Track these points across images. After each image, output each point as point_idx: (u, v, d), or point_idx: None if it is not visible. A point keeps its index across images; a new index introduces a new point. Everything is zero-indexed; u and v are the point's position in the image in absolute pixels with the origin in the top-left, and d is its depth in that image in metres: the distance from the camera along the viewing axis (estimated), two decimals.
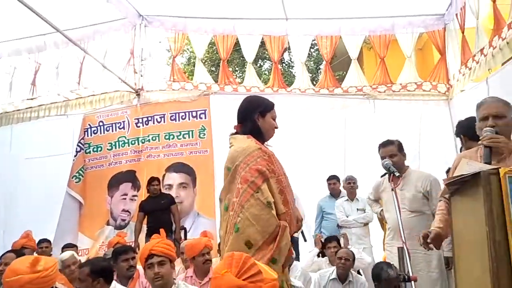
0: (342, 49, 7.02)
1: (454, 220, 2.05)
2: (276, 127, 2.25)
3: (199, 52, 6.68)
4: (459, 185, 1.91)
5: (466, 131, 2.73)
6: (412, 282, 1.88)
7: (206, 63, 15.07)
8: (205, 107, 6.37)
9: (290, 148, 5.97)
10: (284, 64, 15.76)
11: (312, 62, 15.40)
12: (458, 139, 3.55)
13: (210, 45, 9.93)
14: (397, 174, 2.23)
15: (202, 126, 6.34)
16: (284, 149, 5.89)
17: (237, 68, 15.03)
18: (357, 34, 6.36)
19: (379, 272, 2.87)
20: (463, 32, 5.56)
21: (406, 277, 1.89)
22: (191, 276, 3.54)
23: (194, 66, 6.93)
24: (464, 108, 5.50)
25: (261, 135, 2.20)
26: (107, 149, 6.42)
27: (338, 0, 5.82)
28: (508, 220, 1.58)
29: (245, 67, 6.73)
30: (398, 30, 6.23)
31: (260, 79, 12.56)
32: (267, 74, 15.43)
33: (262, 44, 6.61)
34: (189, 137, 6.33)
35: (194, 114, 6.40)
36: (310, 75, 14.84)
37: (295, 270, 4.15)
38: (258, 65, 15.85)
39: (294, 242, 5.14)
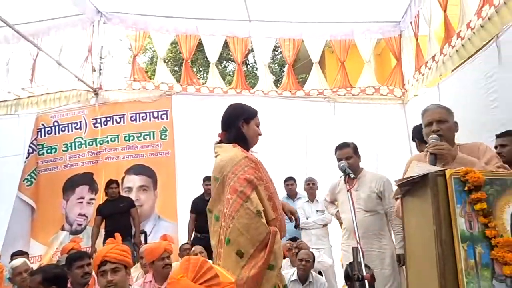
0: (305, 52, 7.15)
1: (405, 219, 2.14)
2: (260, 134, 2.26)
3: (161, 52, 6.55)
4: (410, 186, 1.99)
5: (419, 135, 2.88)
6: (366, 281, 1.93)
7: (169, 63, 14.82)
8: (167, 108, 6.25)
9: (253, 149, 6.00)
10: (248, 66, 15.82)
11: (276, 65, 15.57)
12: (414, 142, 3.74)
13: (174, 45, 9.79)
14: (352, 175, 2.30)
15: (164, 127, 6.22)
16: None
17: (201, 69, 14.89)
18: (318, 38, 6.49)
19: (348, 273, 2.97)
20: (417, 39, 5.84)
21: (360, 276, 1.94)
22: (150, 281, 3.45)
23: (157, 65, 6.78)
24: (417, 112, 5.73)
25: (246, 142, 2.22)
26: (63, 150, 6.14)
27: (300, 4, 5.92)
28: (453, 219, 1.66)
29: (209, 68, 6.69)
30: (357, 36, 6.43)
31: (225, 80, 12.52)
32: (232, 75, 15.42)
33: (226, 45, 6.60)
34: (150, 138, 6.19)
35: (155, 114, 6.26)
36: (274, 77, 15.02)
37: None
38: (223, 66, 15.81)
39: None
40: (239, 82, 6.48)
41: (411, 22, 5.93)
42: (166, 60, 14.67)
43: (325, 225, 4.71)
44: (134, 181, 6.06)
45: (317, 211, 4.81)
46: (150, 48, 13.46)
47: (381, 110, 6.36)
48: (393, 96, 6.42)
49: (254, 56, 14.38)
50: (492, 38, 3.87)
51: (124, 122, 6.21)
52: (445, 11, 4.87)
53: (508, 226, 1.62)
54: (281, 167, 5.95)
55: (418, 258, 1.95)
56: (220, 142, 2.26)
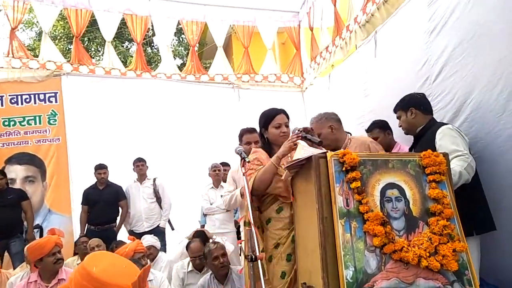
0: (210, 36, 7.06)
1: (295, 200, 2.27)
2: (282, 133, 2.35)
3: (45, 26, 5.81)
4: (298, 169, 2.11)
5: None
6: (259, 261, 2.00)
7: (61, 40, 13.34)
8: (56, 89, 5.64)
9: (155, 135, 5.79)
10: (154, 48, 15.09)
11: (182, 48, 15.12)
12: None
13: (66, 20, 8.82)
14: (247, 159, 2.34)
15: (53, 111, 5.60)
16: (151, 135, 5.74)
17: (100, 48, 13.73)
18: (222, 22, 6.44)
19: (204, 250, 3.14)
20: (311, 30, 6.18)
21: (253, 256, 2.00)
22: (36, 281, 3.12)
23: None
24: (314, 100, 6.16)
25: (271, 146, 2.40)
26: None
27: None
28: (333, 198, 1.80)
29: (105, 47, 6.17)
30: (260, 23, 6.55)
31: (127, 61, 11.72)
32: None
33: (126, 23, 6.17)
34: (35, 123, 5.53)
35: (41, 97, 5.60)
36: (181, 60, 14.58)
37: (160, 261, 4.03)
38: (125, 46, 14.81)
39: (161, 232, 5.05)
40: (139, 64, 6.12)
41: (307, 13, 6.24)
42: (58, 37, 13.18)
43: (228, 210, 4.77)
44: (17, 171, 5.38)
45: (221, 196, 4.83)
46: (37, 22, 11.92)
47: (282, 96, 6.61)
48: (293, 84, 6.73)
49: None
50: (372, 34, 4.27)
51: (2, 105, 5.44)
52: (335, 5, 5.23)
53: (378, 202, 1.82)
54: (187, 153, 5.87)
55: (304, 235, 2.08)
56: None
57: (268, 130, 2.40)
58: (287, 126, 2.39)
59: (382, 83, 3.82)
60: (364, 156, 1.89)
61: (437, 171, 1.86)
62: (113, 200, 5.04)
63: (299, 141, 2.10)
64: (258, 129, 2.54)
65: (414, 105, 2.58)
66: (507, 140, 2.34)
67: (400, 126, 2.72)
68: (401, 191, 1.85)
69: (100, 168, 5.02)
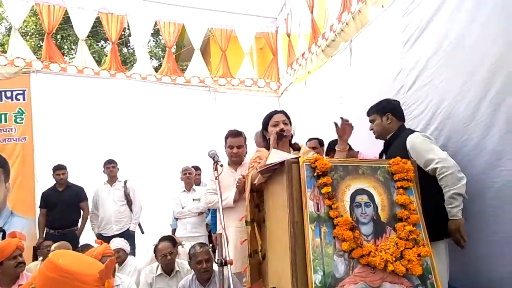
0: (188, 39, 7.01)
1: (266, 204, 2.27)
2: (279, 130, 2.39)
3: (15, 21, 5.61)
4: (271, 173, 2.12)
5: None
6: (229, 265, 1.99)
7: (33, 36, 12.89)
8: (24, 87, 5.44)
9: (128, 136, 5.67)
10: (129, 48, 14.82)
11: (160, 50, 14.94)
12: None
13: (39, 16, 8.54)
14: (220, 163, 2.33)
15: (20, 109, 5.39)
16: (123, 137, 5.62)
17: (73, 46, 13.36)
18: (199, 24, 6.42)
19: (190, 250, 3.08)
20: (289, 37, 6.25)
21: (223, 261, 1.98)
22: None
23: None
24: (290, 105, 6.21)
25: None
26: None
27: None
28: (304, 202, 1.82)
29: (78, 45, 6.00)
30: (238, 27, 6.56)
31: (101, 61, 11.44)
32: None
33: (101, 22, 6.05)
34: (1, 121, 5.30)
35: (8, 94, 5.39)
36: (158, 62, 14.38)
37: (128, 265, 3.93)
38: (100, 46, 14.48)
39: (130, 236, 4.93)
40: (114, 63, 5.99)
41: (285, 19, 6.32)
42: (29, 33, 12.73)
43: (200, 213, 4.73)
44: None
45: (193, 199, 4.79)
46: (7, 17, 11.47)
47: (259, 101, 6.64)
48: (269, 89, 6.77)
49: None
50: (347, 42, 4.37)
51: None
52: (312, 12, 5.32)
53: (348, 207, 1.84)
54: (160, 155, 5.78)
55: (275, 239, 2.09)
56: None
57: (268, 130, 2.47)
58: (285, 124, 2.44)
59: (357, 91, 3.90)
60: (335, 161, 1.92)
61: (405, 177, 1.91)
62: (74, 202, 4.84)
63: (273, 149, 2.14)
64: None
65: (391, 110, 2.63)
66: (473, 149, 2.44)
67: (371, 129, 2.75)
68: (370, 197, 1.88)
69: (59, 169, 4.80)
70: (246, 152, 3.43)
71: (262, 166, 2.06)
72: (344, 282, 1.70)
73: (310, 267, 1.71)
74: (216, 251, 2.07)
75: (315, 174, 1.85)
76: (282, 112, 2.51)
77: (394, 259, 1.72)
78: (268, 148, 2.41)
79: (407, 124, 2.78)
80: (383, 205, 1.88)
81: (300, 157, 1.93)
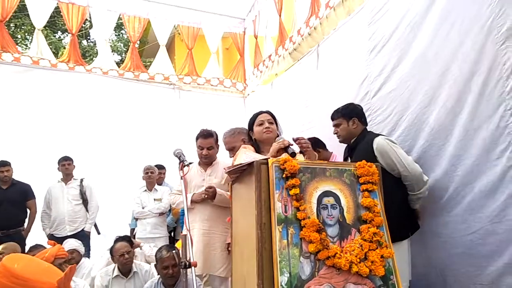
0: (154, 35, 6.82)
1: (233, 205, 2.24)
2: (265, 128, 2.37)
3: None
4: (239, 174, 2.09)
5: None
6: (193, 267, 1.94)
7: None
8: None
9: (87, 133, 5.43)
10: (89, 41, 14.23)
11: (122, 44, 14.47)
12: None
13: None
14: (186, 163, 2.28)
15: None
16: (81, 133, 5.36)
17: (28, 36, 12.61)
18: (166, 20, 6.27)
19: (156, 254, 2.96)
20: (256, 38, 6.26)
21: (187, 263, 1.93)
22: None
23: None
24: (256, 106, 6.22)
25: (258, 145, 2.41)
26: None
27: None
28: (272, 204, 1.80)
29: (34, 34, 5.65)
30: (205, 26, 6.49)
31: (58, 53, 10.90)
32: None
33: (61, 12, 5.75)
34: None
35: None
36: (119, 57, 13.91)
37: (83, 267, 3.74)
38: (57, 37, 13.78)
39: (85, 237, 4.70)
40: (73, 56, 5.71)
41: (252, 21, 6.32)
42: None
43: (161, 214, 4.60)
44: None
45: (154, 199, 4.65)
46: None
47: (224, 101, 6.60)
48: (235, 90, 6.74)
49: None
50: (314, 47, 4.44)
51: None
52: (280, 15, 5.36)
53: (315, 209, 1.85)
54: (121, 153, 5.57)
55: (241, 240, 2.06)
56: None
57: (253, 130, 2.45)
58: (270, 123, 2.41)
59: (323, 95, 3.97)
60: (303, 163, 1.92)
61: (370, 180, 1.95)
62: (20, 200, 4.52)
63: (242, 148, 2.10)
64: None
65: (357, 115, 2.69)
66: (436, 154, 2.56)
67: (335, 133, 2.80)
68: (337, 199, 1.91)
69: (2, 166, 4.46)
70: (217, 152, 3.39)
71: (230, 166, 2.03)
72: (310, 283, 1.71)
73: (277, 268, 1.70)
74: (180, 252, 2.02)
75: (284, 175, 1.85)
76: (268, 112, 2.49)
77: (358, 260, 1.76)
78: (255, 148, 2.37)
79: (372, 129, 2.86)
80: (348, 207, 1.91)
81: (269, 158, 1.92)
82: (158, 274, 3.02)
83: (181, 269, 1.96)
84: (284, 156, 2.00)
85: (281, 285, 1.67)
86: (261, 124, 2.38)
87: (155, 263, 3.72)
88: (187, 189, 2.24)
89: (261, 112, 2.47)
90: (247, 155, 2.01)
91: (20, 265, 1.29)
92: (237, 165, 1.94)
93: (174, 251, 2.90)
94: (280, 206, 1.81)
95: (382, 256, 1.78)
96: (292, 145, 2.14)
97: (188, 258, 1.95)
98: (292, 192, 1.82)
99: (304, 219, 1.79)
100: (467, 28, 2.44)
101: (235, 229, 2.20)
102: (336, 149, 3.31)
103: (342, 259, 1.73)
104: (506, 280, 2.08)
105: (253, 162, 1.88)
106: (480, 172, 2.27)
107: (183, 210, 2.30)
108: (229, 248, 2.84)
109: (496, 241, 2.15)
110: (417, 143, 2.72)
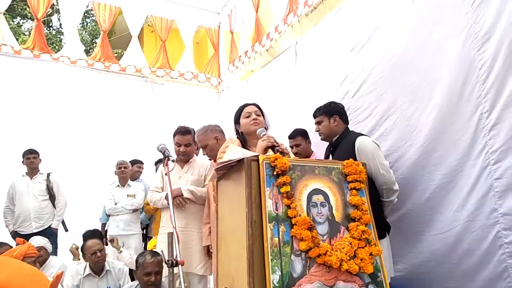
0: (122, 25, 6.59)
1: (219, 203, 2.20)
2: (252, 120, 2.31)
3: None
4: (226, 170, 2.05)
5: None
6: (180, 266, 1.89)
7: None
8: None
9: (53, 125, 5.17)
10: (52, 29, 13.54)
11: (87, 33, 13.87)
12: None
13: None
14: (172, 158, 2.21)
15: None
16: (48, 125, 5.08)
17: None
18: (138, 10, 6.07)
19: (138, 258, 2.79)
20: (232, 33, 6.20)
21: (174, 262, 1.88)
22: None
23: None
24: (231, 102, 6.17)
25: (245, 138, 2.36)
26: None
27: None
28: (263, 201, 1.79)
29: None
30: (179, 18, 6.34)
31: (18, 40, 10.28)
32: (28, 35, 12.85)
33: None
34: None
35: None
36: (84, 47, 13.34)
37: (50, 266, 3.57)
38: (16, 23, 12.99)
39: (53, 234, 4.48)
40: (38, 43, 5.39)
41: (228, 15, 6.25)
42: None
43: (135, 210, 4.47)
44: None
45: (127, 195, 4.50)
46: None
47: (198, 96, 6.50)
48: (209, 85, 6.66)
49: (60, 19, 12.45)
50: (292, 44, 4.44)
51: None
52: (256, 11, 5.33)
53: (305, 206, 1.85)
54: (90, 147, 5.36)
55: (228, 239, 2.03)
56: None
57: (240, 123, 2.39)
58: (258, 115, 2.35)
59: (302, 93, 3.98)
60: (293, 161, 1.92)
61: (358, 179, 1.98)
62: None
63: (230, 144, 2.06)
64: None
65: (338, 113, 2.72)
66: (415, 154, 2.65)
67: (317, 131, 2.83)
68: (326, 197, 1.92)
69: None
70: (198, 149, 3.33)
71: (219, 163, 1.99)
72: (301, 281, 1.71)
73: (269, 267, 1.68)
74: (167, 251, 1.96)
75: (275, 173, 1.84)
76: (254, 104, 2.43)
77: (348, 258, 1.78)
78: (241, 141, 2.33)
79: (352, 129, 2.91)
80: (337, 205, 1.93)
81: (259, 154, 1.90)
82: (137, 279, 2.80)
83: (168, 268, 1.90)
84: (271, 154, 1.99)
85: (273, 283, 1.67)
86: (248, 117, 2.33)
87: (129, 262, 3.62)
88: (171, 185, 2.17)
89: (247, 104, 2.41)
90: (236, 151, 1.97)
91: (4, 275, 1.15)
92: (227, 161, 1.91)
93: (159, 257, 2.69)
94: (271, 204, 1.80)
95: (370, 254, 1.82)
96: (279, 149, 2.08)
97: (174, 256, 1.90)
98: (283, 189, 1.81)
99: (295, 216, 1.79)
100: (446, 32, 2.53)
101: (220, 227, 2.16)
102: (315, 147, 3.36)
103: (333, 257, 1.75)
104: (482, 274, 2.19)
105: (242, 158, 1.86)
106: (459, 172, 2.37)
107: None
108: (211, 250, 2.80)
109: (471, 238, 2.25)
110: (398, 143, 2.80)
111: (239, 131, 2.40)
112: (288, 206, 1.81)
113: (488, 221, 2.18)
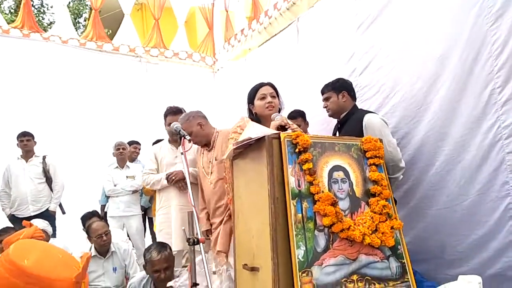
0: (109, 4, 6.38)
1: (235, 180, 2.19)
2: (267, 103, 2.25)
3: None
4: (243, 149, 2.03)
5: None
6: (201, 244, 1.89)
7: None
8: None
9: (47, 106, 5.03)
10: (35, 7, 13.02)
11: (70, 13, 13.40)
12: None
13: None
14: (188, 137, 2.18)
15: None
16: (41, 107, 4.94)
17: None
18: None
19: (145, 253, 2.71)
20: (227, 11, 6.07)
21: (195, 240, 1.88)
22: None
23: None
24: (226, 80, 6.08)
25: (259, 120, 2.29)
26: None
27: None
28: (286, 178, 1.78)
29: None
30: None
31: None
32: (11, 14, 12.35)
33: None
34: None
35: None
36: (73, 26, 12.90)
37: None
38: None
39: (50, 217, 4.42)
40: (27, 21, 5.18)
41: None
42: None
43: (135, 191, 4.43)
44: None
45: (126, 177, 4.45)
46: None
47: (193, 75, 6.39)
48: (204, 64, 6.54)
49: None
50: (294, 21, 4.36)
51: None
52: None
53: (326, 183, 1.86)
54: (86, 128, 5.26)
55: (247, 216, 2.03)
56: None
57: (254, 104, 2.32)
58: (273, 97, 2.28)
59: (304, 71, 3.93)
60: (314, 138, 1.91)
61: (377, 155, 1.99)
62: None
63: (249, 122, 2.03)
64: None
65: (347, 89, 2.70)
66: (422, 130, 2.66)
67: (325, 107, 2.81)
68: (346, 173, 1.93)
69: None
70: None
71: (239, 141, 1.96)
72: (325, 256, 1.73)
73: (293, 242, 1.70)
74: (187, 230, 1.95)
75: (297, 150, 1.83)
76: (269, 84, 2.36)
77: (370, 232, 1.80)
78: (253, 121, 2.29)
79: (359, 106, 2.90)
80: (357, 181, 1.94)
81: (279, 132, 1.88)
82: (147, 274, 2.75)
83: (189, 246, 1.89)
84: None
85: (298, 258, 1.68)
86: (263, 98, 2.27)
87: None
88: (188, 164, 2.14)
89: (262, 84, 2.34)
90: (255, 128, 1.95)
91: (30, 260, 1.11)
92: (247, 138, 1.88)
93: (166, 252, 2.62)
94: (294, 181, 1.79)
95: (392, 228, 1.85)
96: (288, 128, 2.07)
97: (195, 235, 1.90)
98: (305, 166, 1.81)
99: (317, 193, 1.79)
100: (458, 7, 2.52)
101: (237, 205, 2.16)
102: (320, 125, 3.35)
103: (356, 231, 1.77)
104: (492, 244, 2.26)
105: (263, 136, 1.84)
106: (468, 146, 2.40)
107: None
108: (209, 236, 2.80)
109: (482, 210, 2.31)
110: (404, 120, 2.81)
111: (253, 112, 2.35)
112: (311, 183, 1.81)
113: (499, 193, 2.23)
